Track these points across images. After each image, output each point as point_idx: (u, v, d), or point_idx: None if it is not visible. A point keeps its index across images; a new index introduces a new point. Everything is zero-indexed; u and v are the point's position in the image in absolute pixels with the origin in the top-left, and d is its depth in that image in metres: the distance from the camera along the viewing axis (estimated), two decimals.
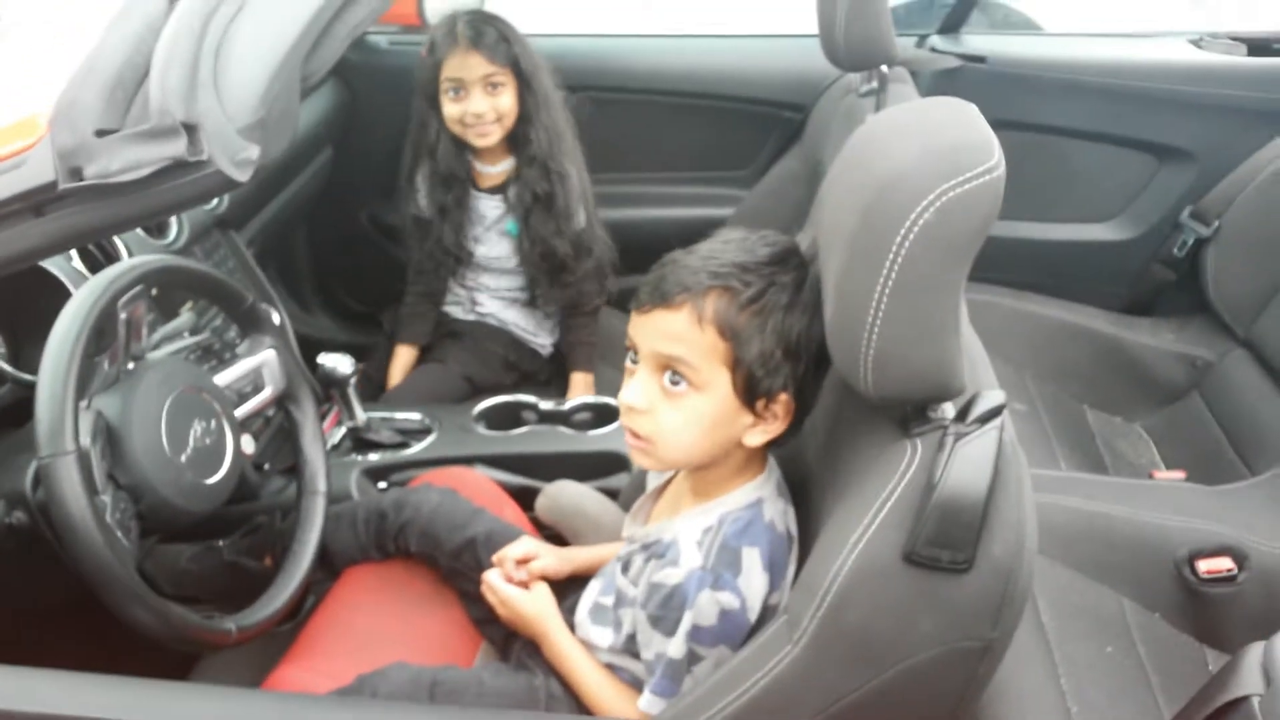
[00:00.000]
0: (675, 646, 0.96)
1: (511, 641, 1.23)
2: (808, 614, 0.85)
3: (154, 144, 0.68)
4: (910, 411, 0.90)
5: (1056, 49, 2.21)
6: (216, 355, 1.34)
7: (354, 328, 2.43)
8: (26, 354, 1.23)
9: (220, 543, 1.25)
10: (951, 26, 2.25)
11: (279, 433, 1.54)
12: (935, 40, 2.23)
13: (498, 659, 1.25)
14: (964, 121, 0.84)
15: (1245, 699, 0.66)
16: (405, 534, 1.31)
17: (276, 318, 1.73)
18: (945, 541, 0.80)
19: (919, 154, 0.82)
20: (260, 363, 1.27)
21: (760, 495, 1.00)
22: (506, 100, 1.76)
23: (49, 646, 0.96)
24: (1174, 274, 2.11)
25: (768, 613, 0.97)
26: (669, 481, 1.12)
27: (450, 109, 1.76)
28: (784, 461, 1.16)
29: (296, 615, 1.31)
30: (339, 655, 1.17)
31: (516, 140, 1.83)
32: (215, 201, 1.66)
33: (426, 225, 1.92)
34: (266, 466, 1.51)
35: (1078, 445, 1.93)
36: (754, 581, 0.95)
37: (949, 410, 0.87)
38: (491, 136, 1.79)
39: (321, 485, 1.28)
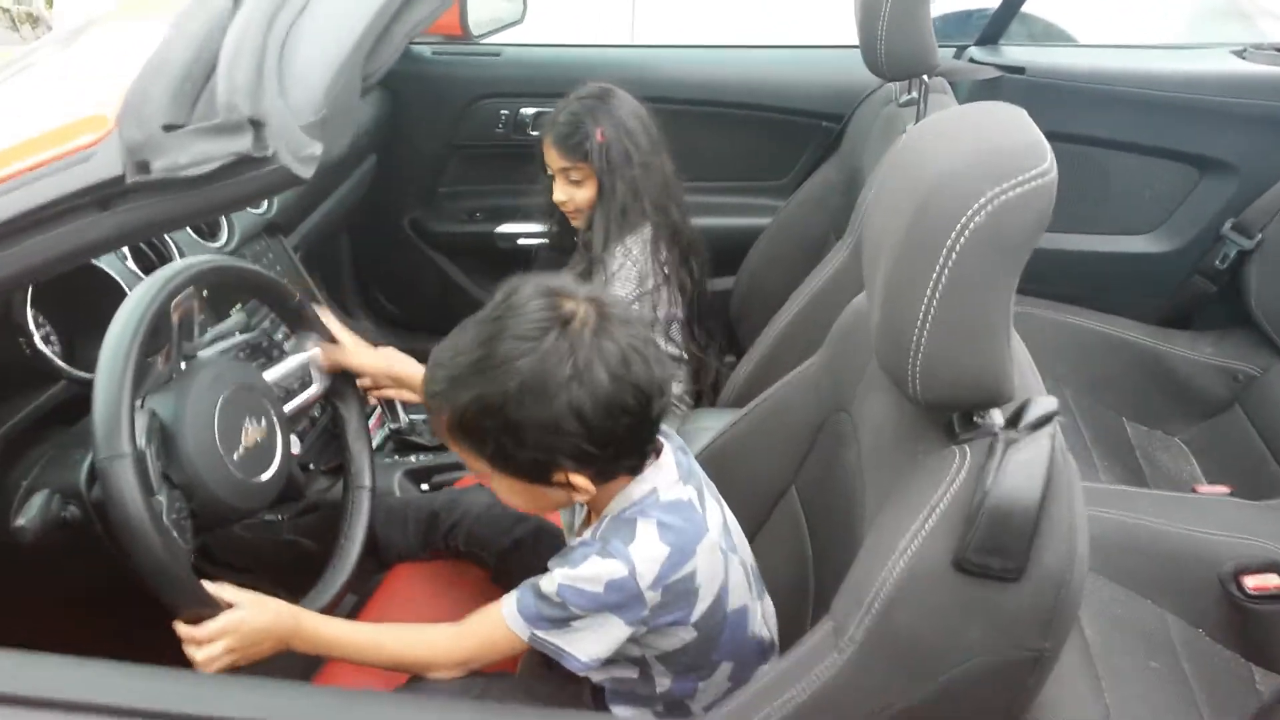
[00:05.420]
0: (546, 580, 0.98)
1: None
2: (855, 620, 0.84)
3: (221, 139, 0.70)
4: (957, 418, 0.89)
5: (1095, 60, 2.20)
6: (265, 353, 1.35)
7: (394, 332, 2.45)
8: (81, 351, 1.25)
9: (280, 517, 1.26)
10: (990, 38, 2.24)
11: (324, 433, 1.55)
12: (974, 51, 2.23)
13: (541, 661, 1.25)
14: (1014, 125, 0.84)
15: None
16: (455, 534, 1.33)
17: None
18: (996, 549, 0.79)
19: (969, 156, 0.81)
20: (307, 359, 1.29)
21: (653, 485, 1.00)
22: (585, 194, 1.77)
23: (92, 638, 0.97)
24: (1214, 286, 2.09)
25: (685, 586, 0.97)
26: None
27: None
28: (820, 465, 1.15)
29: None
30: None
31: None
32: (265, 206, 1.69)
33: None
34: (312, 466, 1.53)
35: (1118, 458, 1.91)
36: (647, 549, 0.95)
37: (997, 417, 0.87)
38: (578, 220, 1.83)
39: (367, 480, 1.30)
